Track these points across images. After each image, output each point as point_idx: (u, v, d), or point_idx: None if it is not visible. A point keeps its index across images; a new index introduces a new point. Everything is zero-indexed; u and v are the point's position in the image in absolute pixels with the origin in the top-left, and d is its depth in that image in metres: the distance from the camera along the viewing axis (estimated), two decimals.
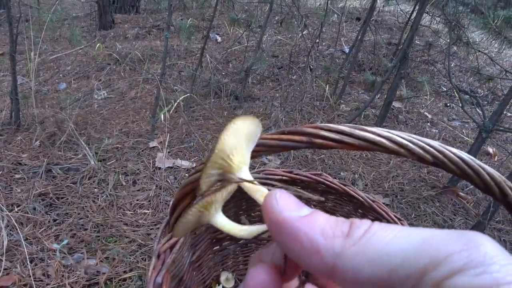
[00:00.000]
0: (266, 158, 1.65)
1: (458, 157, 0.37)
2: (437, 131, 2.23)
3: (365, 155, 1.82)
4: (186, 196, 0.58)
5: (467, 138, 2.19)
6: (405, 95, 2.42)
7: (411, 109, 2.42)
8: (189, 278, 0.81)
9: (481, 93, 2.88)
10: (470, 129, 2.33)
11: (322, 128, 0.41)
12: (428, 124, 2.28)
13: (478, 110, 1.78)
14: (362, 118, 2.14)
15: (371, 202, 0.82)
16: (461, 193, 1.61)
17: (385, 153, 0.32)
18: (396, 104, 2.37)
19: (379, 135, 0.37)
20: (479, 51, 1.94)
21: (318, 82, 2.49)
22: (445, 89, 2.86)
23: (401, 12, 3.16)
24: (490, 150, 2.11)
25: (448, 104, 2.65)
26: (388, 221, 0.82)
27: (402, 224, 0.80)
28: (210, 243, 0.86)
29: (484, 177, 0.33)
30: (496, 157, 2.07)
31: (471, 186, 1.73)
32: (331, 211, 0.90)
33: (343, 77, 2.41)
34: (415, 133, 2.18)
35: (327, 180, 0.83)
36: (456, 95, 2.69)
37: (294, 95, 2.27)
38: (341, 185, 0.82)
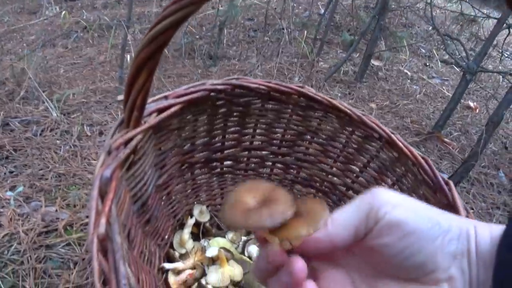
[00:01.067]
0: None
1: None
2: (417, 87, 2.18)
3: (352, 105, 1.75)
4: (141, 70, 0.47)
5: (448, 93, 2.15)
6: (385, 51, 2.36)
7: (391, 67, 2.36)
8: (156, 206, 0.72)
9: (464, 39, 2.85)
10: (450, 86, 2.29)
11: None
12: (408, 80, 2.23)
13: (456, 60, 1.73)
14: (341, 74, 2.07)
15: (360, 115, 0.74)
16: (446, 140, 1.56)
17: None
18: (375, 62, 2.31)
19: None
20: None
21: (296, 42, 2.40)
22: (424, 51, 2.82)
23: None
24: (471, 104, 2.08)
25: (428, 64, 2.60)
26: (380, 135, 0.74)
27: (396, 138, 0.73)
28: (179, 168, 0.77)
29: None
30: (477, 110, 2.03)
31: (455, 134, 1.69)
32: (315, 131, 0.82)
33: (320, 38, 2.33)
34: (395, 89, 2.12)
35: (310, 92, 0.74)
36: (436, 54, 2.65)
37: (271, 54, 2.18)
38: (327, 98, 0.74)
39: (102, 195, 0.43)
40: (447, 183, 0.61)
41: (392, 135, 0.74)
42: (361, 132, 0.77)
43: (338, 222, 0.32)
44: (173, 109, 0.59)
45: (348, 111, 0.74)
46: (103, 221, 0.40)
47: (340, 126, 0.78)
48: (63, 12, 3.01)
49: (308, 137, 0.83)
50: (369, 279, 0.35)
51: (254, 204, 0.34)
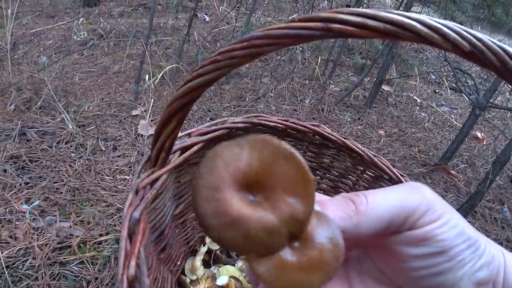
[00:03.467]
0: None
1: (500, 47, 0.31)
2: (426, 115, 2.20)
3: (355, 133, 1.77)
4: (172, 118, 0.51)
5: (456, 123, 2.17)
6: (395, 78, 2.39)
7: (400, 93, 2.39)
8: (171, 235, 0.74)
9: (475, 72, 2.87)
10: (458, 115, 2.31)
11: (340, 12, 0.34)
12: (417, 108, 2.25)
13: (466, 94, 1.75)
14: (351, 99, 2.10)
15: (372, 156, 0.77)
16: (452, 172, 1.58)
17: (413, 42, 0.25)
18: (385, 87, 2.34)
19: (408, 17, 0.31)
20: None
21: (308, 62, 2.44)
22: (434, 77, 2.85)
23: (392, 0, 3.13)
24: (479, 134, 2.09)
25: (437, 91, 2.63)
26: (390, 177, 0.76)
27: (405, 180, 0.75)
28: None
29: None
30: (485, 141, 2.05)
31: (462, 165, 1.71)
32: (328, 168, 0.84)
33: (332, 60, 2.36)
34: (404, 116, 2.14)
35: (325, 132, 0.77)
36: (445, 81, 2.68)
37: (282, 73, 2.21)
38: (341, 138, 0.77)
39: (131, 235, 0.46)
40: None
41: (402, 178, 0.76)
42: (372, 172, 0.79)
43: (374, 210, 0.28)
44: (195, 148, 0.62)
45: (360, 151, 0.76)
46: (133, 263, 0.42)
47: (352, 165, 0.81)
48: (81, 19, 3.07)
49: (320, 173, 0.86)
50: (369, 283, 0.32)
51: (249, 201, 0.26)
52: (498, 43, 0.30)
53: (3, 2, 2.02)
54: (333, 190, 0.87)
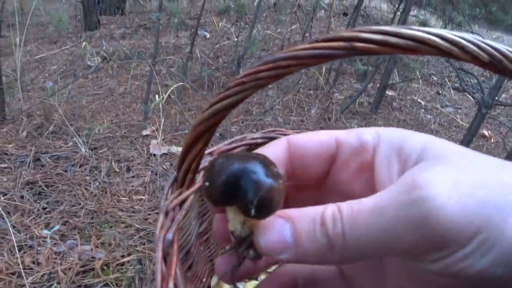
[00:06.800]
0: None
1: None
2: (431, 117, 2.21)
3: None
4: (198, 140, 0.53)
5: (462, 122, 2.17)
6: (398, 82, 2.41)
7: (404, 96, 2.41)
8: (196, 253, 0.75)
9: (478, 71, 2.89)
10: (464, 114, 2.32)
11: (362, 31, 0.36)
12: (422, 110, 2.27)
13: (470, 94, 1.77)
14: (356, 106, 2.11)
15: None
16: None
17: (434, 55, 0.27)
18: (389, 92, 2.35)
19: (428, 32, 0.33)
20: (472, 32, 1.93)
21: (311, 72, 2.46)
22: (436, 78, 2.86)
23: (389, 4, 3.17)
24: (486, 132, 2.10)
25: (440, 92, 2.64)
26: None
27: None
28: None
29: None
30: (492, 139, 2.06)
31: None
32: None
33: (335, 68, 2.39)
34: (410, 119, 2.15)
35: None
36: (448, 82, 2.69)
37: (287, 85, 2.23)
38: None
39: (165, 257, 0.47)
40: None
41: None
42: None
43: (357, 239, 0.21)
44: None
45: None
46: (171, 284, 0.43)
47: None
48: (84, 43, 3.11)
49: None
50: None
51: None
52: None
53: (11, 31, 2.06)
54: None
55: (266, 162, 0.26)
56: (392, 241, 0.20)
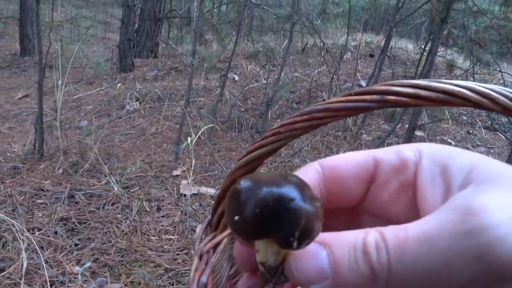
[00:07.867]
0: None
1: None
2: None
3: None
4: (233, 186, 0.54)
5: None
6: (428, 123, 2.39)
7: (434, 137, 2.38)
8: None
9: None
10: (496, 154, 2.26)
11: (394, 84, 0.38)
12: None
13: (502, 133, 1.74)
14: (385, 147, 2.10)
15: None
16: None
17: (464, 106, 0.28)
18: (418, 133, 2.33)
19: (458, 85, 0.34)
20: (501, 71, 1.91)
21: None
22: (465, 118, 2.82)
23: (416, 45, 3.19)
24: None
25: (471, 132, 2.60)
26: None
27: None
28: None
29: None
30: None
31: None
32: None
33: None
34: None
35: None
36: (478, 121, 2.65)
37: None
38: None
39: None
40: None
41: None
42: None
43: (405, 272, 0.19)
44: None
45: None
46: None
47: None
48: (118, 84, 3.26)
49: None
50: None
51: None
52: None
53: (54, 73, 2.18)
54: None
55: (300, 185, 0.24)
56: (443, 275, 0.18)
